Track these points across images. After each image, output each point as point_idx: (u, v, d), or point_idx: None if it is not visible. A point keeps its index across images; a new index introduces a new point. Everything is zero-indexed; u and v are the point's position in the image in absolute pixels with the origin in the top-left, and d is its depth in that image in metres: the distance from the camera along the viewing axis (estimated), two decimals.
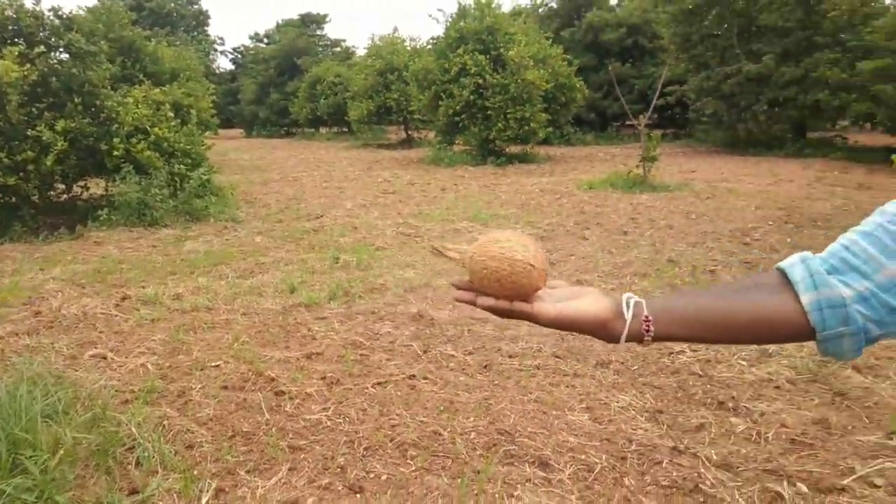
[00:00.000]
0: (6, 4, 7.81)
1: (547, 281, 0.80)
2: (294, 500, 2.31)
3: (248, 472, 2.49)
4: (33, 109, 7.67)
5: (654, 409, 2.99)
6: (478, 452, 2.65)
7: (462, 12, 16.46)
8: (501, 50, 15.31)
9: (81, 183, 8.89)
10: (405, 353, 3.74)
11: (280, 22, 42.24)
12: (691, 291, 0.86)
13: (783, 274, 0.78)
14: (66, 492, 2.28)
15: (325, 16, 42.37)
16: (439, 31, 47.80)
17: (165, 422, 2.87)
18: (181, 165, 8.63)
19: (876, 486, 2.36)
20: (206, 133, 12.02)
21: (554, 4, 26.67)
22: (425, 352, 3.76)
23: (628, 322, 0.77)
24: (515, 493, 2.34)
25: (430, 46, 20.86)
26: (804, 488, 2.35)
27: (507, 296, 0.78)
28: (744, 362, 3.45)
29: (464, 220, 7.93)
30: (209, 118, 12.83)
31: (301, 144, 26.13)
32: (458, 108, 15.36)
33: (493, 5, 16.10)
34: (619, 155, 16.75)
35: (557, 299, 0.80)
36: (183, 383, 3.31)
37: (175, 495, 2.34)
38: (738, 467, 2.49)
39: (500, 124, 15.05)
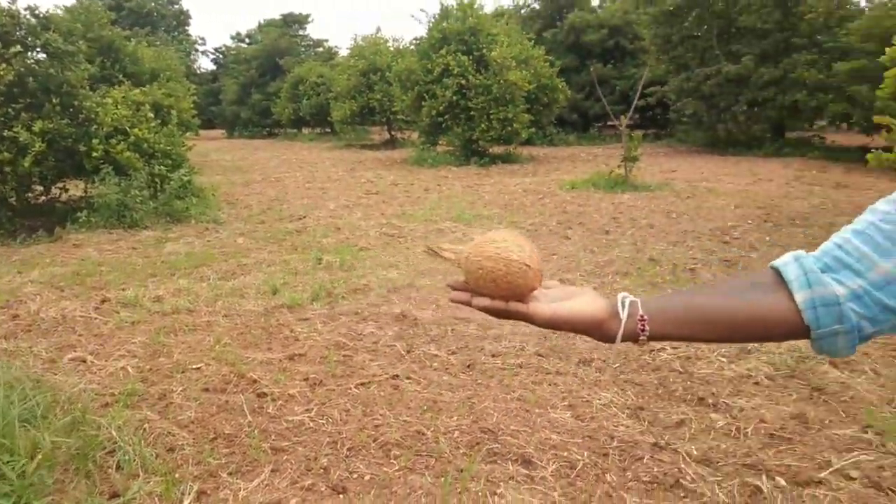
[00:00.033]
0: None
1: (542, 281, 0.80)
2: (276, 501, 2.30)
3: (230, 474, 2.48)
4: (10, 110, 7.56)
5: (636, 406, 3.01)
6: (461, 451, 2.65)
7: (444, 13, 16.48)
8: (484, 51, 15.35)
9: (60, 184, 8.77)
10: (388, 353, 3.74)
11: (262, 22, 41.96)
12: (686, 291, 0.85)
13: (777, 272, 0.78)
14: (44, 497, 2.25)
15: (308, 16, 42.13)
16: (422, 31, 47.86)
17: (146, 425, 2.84)
18: (161, 166, 8.55)
19: (851, 479, 2.40)
20: (187, 134, 11.92)
21: (536, 6, 26.79)
22: (409, 352, 3.76)
23: (623, 322, 0.77)
24: (498, 491, 2.36)
25: (412, 47, 20.88)
26: (783, 482, 2.39)
27: (503, 296, 0.78)
28: (723, 359, 3.49)
29: (447, 221, 7.94)
30: (190, 119, 12.72)
31: (283, 145, 25.98)
32: (441, 108, 15.37)
33: (476, 6, 16.13)
34: (601, 155, 16.86)
35: (553, 299, 0.80)
36: (164, 386, 3.29)
37: (156, 498, 2.32)
38: (717, 462, 2.52)
39: (483, 125, 15.09)
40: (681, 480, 2.40)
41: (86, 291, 5.03)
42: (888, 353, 3.56)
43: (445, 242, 0.87)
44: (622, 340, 0.78)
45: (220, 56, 43.61)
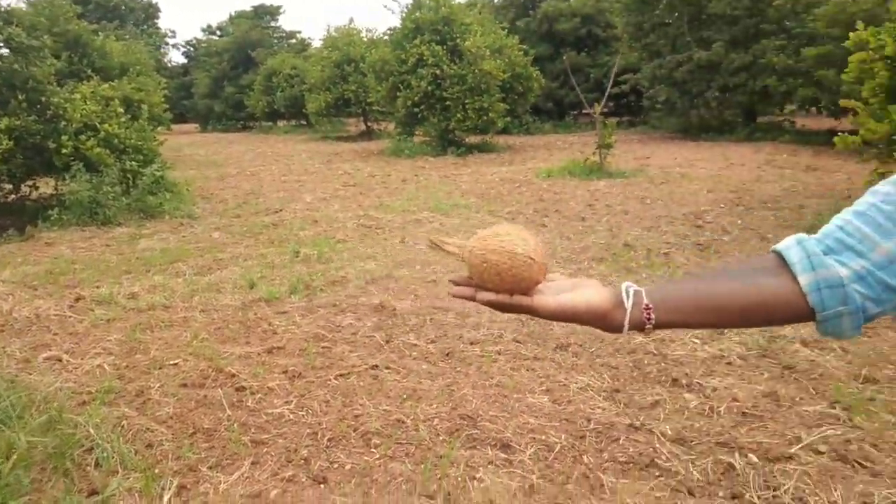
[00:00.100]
0: None
1: (547, 274, 0.80)
2: (257, 493, 2.31)
3: (209, 468, 2.48)
4: None
5: (612, 389, 3.07)
6: (441, 438, 2.68)
7: (417, 3, 16.38)
8: (458, 40, 15.31)
9: (30, 182, 8.62)
10: (368, 343, 3.75)
11: (233, 14, 41.34)
12: (691, 278, 0.85)
13: (779, 256, 0.78)
14: (21, 496, 2.24)
15: (279, 7, 41.61)
16: (395, 21, 47.51)
17: (124, 422, 2.83)
18: (133, 162, 8.43)
19: (820, 453, 2.48)
20: (159, 128, 11.73)
21: None
22: (388, 342, 3.77)
23: (629, 311, 0.77)
24: (477, 476, 2.39)
25: (386, 37, 20.73)
26: (755, 458, 2.45)
27: (507, 290, 0.77)
28: (697, 340, 3.56)
29: (425, 211, 7.95)
30: (161, 113, 12.52)
31: (258, 138, 25.71)
32: (417, 99, 15.33)
33: None
34: (576, 143, 16.95)
35: (557, 291, 0.79)
36: (141, 382, 3.27)
37: (136, 494, 2.31)
38: (691, 441, 2.58)
39: (458, 115, 15.08)
40: (656, 460, 2.46)
41: (59, 290, 4.96)
42: None
43: (447, 236, 0.87)
44: (629, 330, 0.78)
45: (192, 49, 42.91)
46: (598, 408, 2.90)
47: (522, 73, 17.32)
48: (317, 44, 32.81)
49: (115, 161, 8.24)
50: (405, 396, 3.06)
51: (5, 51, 7.81)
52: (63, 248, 6.45)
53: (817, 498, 2.20)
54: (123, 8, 41.07)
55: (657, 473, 2.39)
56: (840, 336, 0.76)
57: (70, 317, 4.34)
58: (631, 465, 2.45)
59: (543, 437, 2.65)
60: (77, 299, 4.70)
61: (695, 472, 2.38)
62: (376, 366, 3.42)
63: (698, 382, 3.07)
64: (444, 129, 15.45)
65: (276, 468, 2.48)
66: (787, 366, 3.26)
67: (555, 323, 3.94)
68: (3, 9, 7.90)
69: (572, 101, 23.18)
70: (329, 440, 2.68)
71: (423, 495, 2.30)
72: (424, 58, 15.10)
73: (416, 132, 16.68)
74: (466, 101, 15.03)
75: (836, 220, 0.78)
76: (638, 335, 3.67)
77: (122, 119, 8.78)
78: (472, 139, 16.51)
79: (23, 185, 8.51)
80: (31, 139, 7.60)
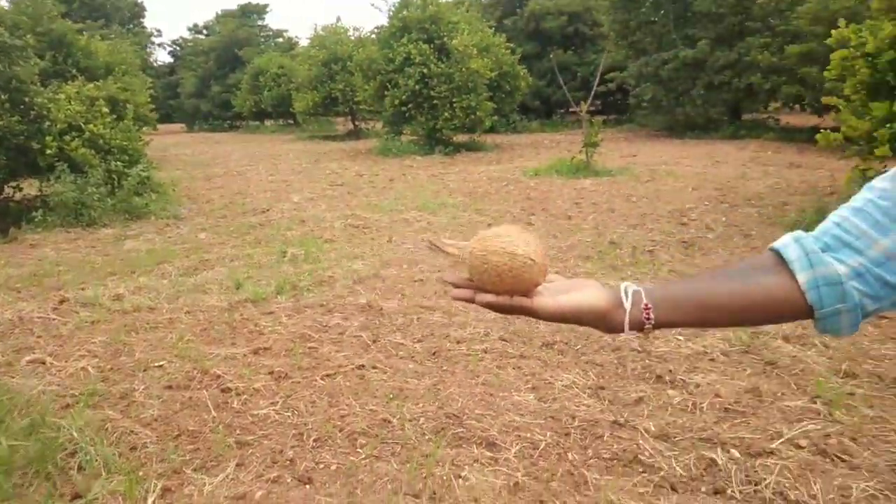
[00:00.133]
0: None
1: (547, 276, 0.80)
2: (242, 494, 2.31)
3: (194, 470, 2.48)
4: None
5: (597, 386, 3.09)
6: (427, 437, 2.69)
7: (405, 2, 16.36)
8: (445, 39, 15.31)
9: (13, 184, 8.52)
10: (354, 343, 3.75)
11: (219, 13, 41.08)
12: (690, 278, 0.85)
13: (777, 254, 0.78)
14: (3, 501, 2.22)
15: (266, 6, 41.36)
16: (383, 20, 47.37)
17: (108, 424, 2.81)
18: (118, 162, 8.36)
19: (801, 447, 2.51)
20: (145, 129, 11.65)
21: None
22: (374, 341, 3.78)
23: (628, 311, 0.77)
24: (463, 474, 2.40)
25: (374, 36, 20.69)
26: (737, 454, 2.48)
27: (507, 291, 0.77)
28: (680, 337, 3.59)
29: (412, 210, 7.95)
30: (147, 113, 12.44)
31: (245, 138, 25.60)
32: (404, 97, 15.31)
33: None
34: (563, 141, 17.00)
35: (556, 293, 0.79)
36: (126, 385, 3.25)
37: (119, 497, 2.31)
38: (674, 437, 2.61)
39: (446, 113, 15.08)
40: (639, 456, 2.48)
41: (43, 292, 4.92)
42: None
43: (446, 237, 0.87)
44: (629, 330, 0.78)
45: (178, 48, 42.64)
46: (583, 405, 2.92)
47: (510, 71, 17.35)
48: (304, 43, 32.74)
49: (100, 162, 8.17)
50: (391, 396, 3.06)
51: None
52: (47, 250, 6.40)
53: (797, 492, 2.23)
54: (108, 7, 40.66)
55: (640, 469, 2.41)
56: (838, 333, 0.76)
57: (54, 319, 4.30)
58: (615, 461, 2.47)
59: (529, 435, 2.67)
60: (61, 301, 4.66)
61: (678, 468, 2.40)
62: (363, 365, 3.42)
63: (682, 379, 3.10)
64: (431, 128, 15.45)
65: (261, 469, 2.48)
66: (770, 361, 3.29)
67: (540, 321, 3.96)
68: None
69: (559, 100, 23.26)
70: (315, 441, 2.68)
71: (409, 494, 2.31)
72: (412, 56, 15.09)
73: (404, 131, 16.67)
74: (454, 100, 15.04)
75: (833, 217, 0.78)
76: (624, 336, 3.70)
77: (108, 119, 8.71)
78: (460, 138, 16.52)
79: (6, 187, 8.42)
80: (14, 140, 7.52)
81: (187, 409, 2.98)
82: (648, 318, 0.76)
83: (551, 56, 18.39)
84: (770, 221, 6.38)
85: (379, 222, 7.31)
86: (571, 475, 2.39)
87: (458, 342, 3.71)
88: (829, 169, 9.43)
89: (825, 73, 6.61)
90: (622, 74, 18.69)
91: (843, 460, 2.40)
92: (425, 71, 15.06)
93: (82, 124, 8.29)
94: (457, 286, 0.81)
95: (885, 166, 5.91)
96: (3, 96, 7.49)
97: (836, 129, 6.26)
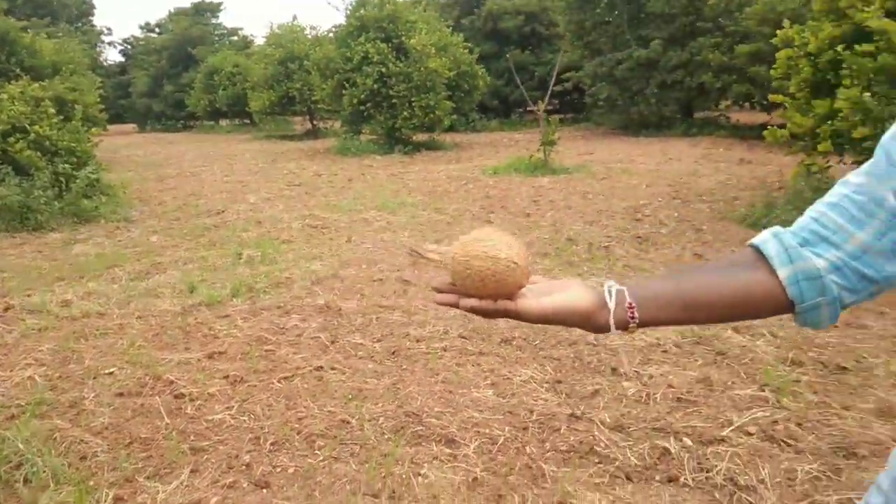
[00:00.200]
0: None
1: (529, 277, 0.80)
2: (197, 501, 2.27)
3: (147, 478, 2.42)
4: None
5: (554, 380, 3.13)
6: (386, 436, 2.69)
7: (362, 0, 16.27)
8: (403, 38, 15.27)
9: None
10: (312, 345, 3.72)
11: (172, 10, 40.14)
12: (673, 276, 0.85)
13: (757, 250, 0.79)
14: None
15: (220, 3, 40.56)
16: (340, 19, 46.92)
17: (57, 434, 2.73)
18: (66, 165, 8.11)
19: (750, 434, 2.59)
20: (94, 129, 11.32)
21: None
22: (333, 342, 3.75)
23: (612, 311, 0.77)
24: (422, 472, 2.40)
25: (331, 35, 20.50)
26: (689, 442, 2.55)
27: (491, 295, 0.77)
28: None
29: (372, 210, 7.91)
30: (97, 113, 12.10)
31: (200, 138, 25.08)
32: (363, 97, 15.22)
33: None
34: (522, 140, 17.14)
35: (540, 294, 0.79)
36: (75, 393, 3.15)
37: None
38: (629, 427, 2.66)
39: (405, 113, 15.05)
40: (595, 447, 2.52)
41: None
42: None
43: (429, 244, 0.86)
44: (615, 329, 0.78)
45: (129, 47, 41.46)
46: (541, 399, 2.95)
47: (468, 70, 17.41)
48: (260, 41, 32.27)
49: (46, 164, 7.91)
50: (350, 397, 3.05)
51: None
52: None
53: (747, 477, 2.30)
54: (55, 4, 39.31)
55: (596, 460, 2.45)
56: (818, 326, 0.77)
57: None
58: (571, 453, 2.50)
59: (487, 431, 2.69)
60: (6, 308, 4.49)
61: (632, 458, 2.45)
62: (321, 367, 3.39)
63: (636, 370, 3.17)
64: (390, 128, 15.40)
65: (216, 475, 2.43)
66: (720, 352, 3.39)
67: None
68: None
69: (518, 99, 23.40)
70: (272, 444, 2.64)
71: (368, 494, 2.30)
72: (370, 55, 15.01)
73: (363, 130, 16.57)
74: (413, 99, 15.02)
75: (811, 212, 0.79)
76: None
77: (54, 120, 8.44)
78: (420, 137, 16.50)
79: None
80: None
81: (139, 416, 2.91)
82: (633, 318, 0.77)
83: (508, 56, 18.49)
84: (720, 216, 6.56)
85: (338, 222, 7.25)
86: (529, 468, 2.42)
87: (417, 341, 3.71)
88: (777, 164, 9.72)
89: (771, 72, 6.81)
90: (578, 74, 18.93)
91: (790, 445, 2.49)
92: (383, 70, 15.00)
93: (27, 125, 8.01)
94: (440, 291, 0.81)
95: (828, 161, 6.14)
96: None
97: (783, 126, 6.46)
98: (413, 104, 15.02)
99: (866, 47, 5.18)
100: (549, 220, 6.83)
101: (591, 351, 3.42)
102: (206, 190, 10.33)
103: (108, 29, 59.42)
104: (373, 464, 2.46)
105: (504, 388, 3.09)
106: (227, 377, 3.27)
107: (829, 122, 5.59)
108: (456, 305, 0.78)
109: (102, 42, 43.05)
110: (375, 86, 15.03)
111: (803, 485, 2.24)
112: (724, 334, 3.59)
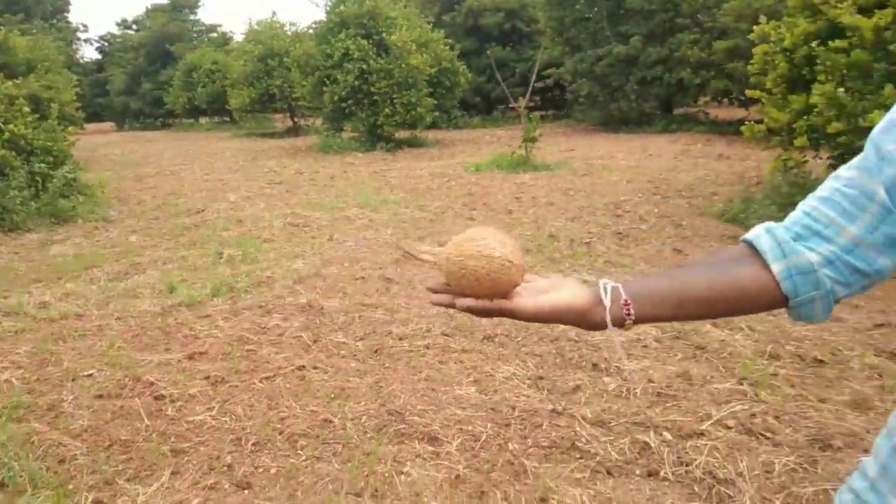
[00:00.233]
0: None
1: (524, 276, 0.80)
2: (178, 503, 2.25)
3: (127, 480, 2.40)
4: None
5: (536, 376, 3.15)
6: (368, 435, 2.69)
7: None
8: (384, 35, 15.21)
9: None
10: (294, 344, 3.70)
11: (149, 7, 39.58)
12: (668, 272, 0.86)
13: (750, 245, 0.79)
14: None
15: (198, 0, 40.12)
16: (320, 15, 46.56)
17: (35, 438, 2.69)
18: (42, 164, 7.99)
19: (728, 428, 2.63)
20: (71, 128, 11.14)
21: None
22: (315, 341, 3.74)
23: (608, 308, 0.77)
24: (405, 470, 2.41)
25: (311, 31, 20.37)
26: (669, 436, 2.58)
27: (487, 294, 0.77)
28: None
29: (354, 208, 7.89)
30: (73, 112, 11.90)
31: (179, 136, 24.80)
32: (344, 93, 15.14)
33: None
34: (504, 137, 17.17)
35: (535, 293, 0.79)
36: (53, 396, 3.11)
37: None
38: (610, 423, 2.68)
39: (387, 110, 15.00)
40: (576, 443, 2.54)
41: None
42: None
43: (422, 244, 0.84)
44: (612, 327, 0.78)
45: (106, 44, 40.83)
46: (523, 395, 2.97)
47: (449, 67, 17.38)
48: (239, 38, 31.87)
49: (22, 163, 7.79)
50: (333, 396, 3.04)
51: None
52: None
53: (725, 470, 2.34)
54: (29, 0, 38.61)
55: (578, 456, 2.48)
56: (811, 320, 0.78)
57: None
58: (553, 449, 2.52)
59: (470, 428, 2.70)
60: None
61: (613, 453, 2.47)
62: (303, 366, 3.38)
63: (616, 366, 3.19)
64: (372, 125, 15.34)
65: (197, 477, 2.42)
66: (699, 346, 3.43)
67: None
68: None
69: (499, 96, 23.38)
70: (253, 445, 2.63)
71: (350, 493, 2.30)
72: (350, 52, 14.93)
73: (345, 128, 16.49)
74: (394, 96, 14.97)
75: (803, 206, 0.79)
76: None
77: (29, 119, 8.30)
78: (401, 134, 16.46)
79: None
80: None
81: (119, 418, 2.88)
82: (629, 314, 0.77)
83: (489, 52, 18.50)
84: (700, 212, 6.63)
85: (320, 220, 7.22)
86: (511, 465, 2.43)
87: (400, 339, 3.71)
88: (755, 160, 9.84)
89: (749, 68, 6.88)
90: (559, 70, 18.99)
91: (768, 438, 2.53)
92: (364, 67, 14.94)
93: (1, 124, 7.87)
94: (435, 292, 0.81)
95: (804, 156, 6.23)
96: None
97: (760, 122, 6.54)
98: (394, 101, 14.97)
99: (839, 43, 5.25)
100: (531, 217, 6.85)
101: (573, 347, 3.45)
102: (186, 189, 10.23)
103: (85, 26, 58.62)
104: (355, 463, 2.46)
105: (486, 384, 3.10)
106: (207, 378, 3.25)
107: (805, 118, 5.66)
108: (452, 306, 0.79)
109: (79, 39, 42.32)
110: (356, 83, 14.96)
111: (780, 477, 2.28)
112: (703, 329, 3.63)
